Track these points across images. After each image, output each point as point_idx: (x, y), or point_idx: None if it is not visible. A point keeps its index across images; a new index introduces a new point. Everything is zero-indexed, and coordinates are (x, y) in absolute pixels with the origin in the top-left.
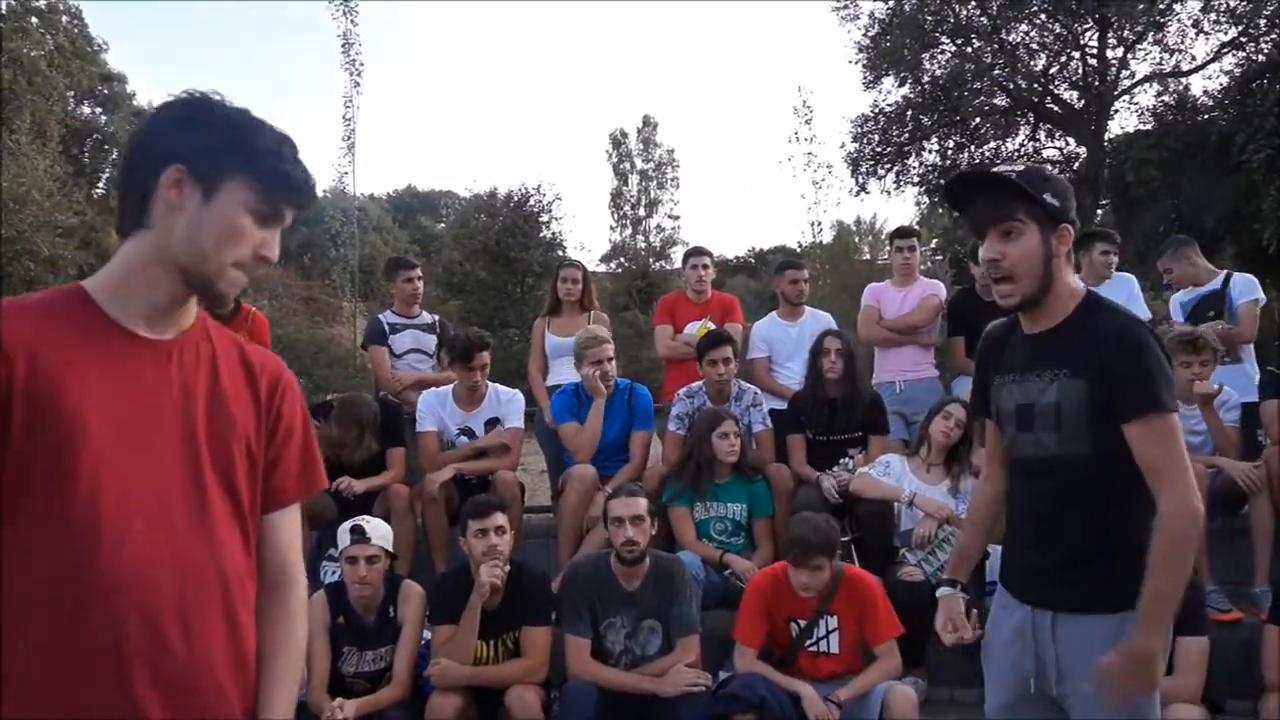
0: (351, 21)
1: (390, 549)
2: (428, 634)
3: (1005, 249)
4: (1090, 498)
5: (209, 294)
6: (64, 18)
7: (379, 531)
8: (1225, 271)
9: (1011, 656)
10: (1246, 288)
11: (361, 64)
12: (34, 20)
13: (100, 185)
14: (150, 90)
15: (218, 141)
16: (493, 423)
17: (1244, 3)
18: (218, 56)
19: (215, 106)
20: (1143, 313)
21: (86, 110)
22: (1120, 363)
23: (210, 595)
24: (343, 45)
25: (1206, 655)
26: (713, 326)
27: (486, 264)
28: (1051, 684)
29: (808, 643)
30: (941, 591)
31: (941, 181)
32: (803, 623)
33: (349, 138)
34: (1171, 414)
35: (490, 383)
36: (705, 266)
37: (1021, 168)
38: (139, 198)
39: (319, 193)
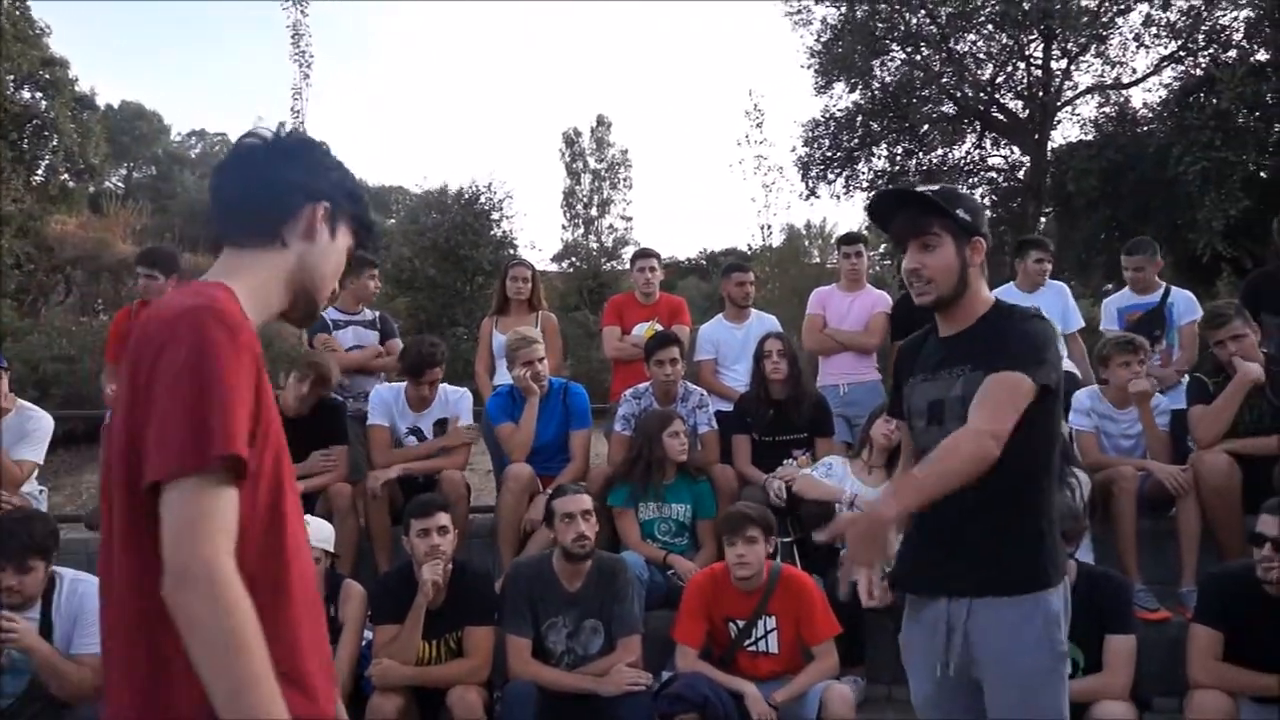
0: (302, 12)
1: (331, 549)
2: (368, 634)
3: (925, 259)
4: (995, 485)
5: (312, 314)
6: (4, 1)
7: (320, 533)
8: (1164, 285)
9: (929, 647)
10: (1187, 307)
11: (311, 56)
12: None
13: (39, 172)
14: (93, 76)
15: (345, 189)
16: (441, 423)
17: (1184, 18)
18: (162, 42)
19: (331, 153)
20: (1077, 321)
21: (26, 95)
22: (1006, 338)
23: None
24: (292, 37)
25: (1134, 653)
26: (660, 328)
27: (436, 261)
28: (970, 670)
29: (746, 642)
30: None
31: (890, 187)
32: (741, 622)
33: (298, 130)
34: (1027, 380)
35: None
36: (653, 269)
37: (937, 187)
38: (275, 217)
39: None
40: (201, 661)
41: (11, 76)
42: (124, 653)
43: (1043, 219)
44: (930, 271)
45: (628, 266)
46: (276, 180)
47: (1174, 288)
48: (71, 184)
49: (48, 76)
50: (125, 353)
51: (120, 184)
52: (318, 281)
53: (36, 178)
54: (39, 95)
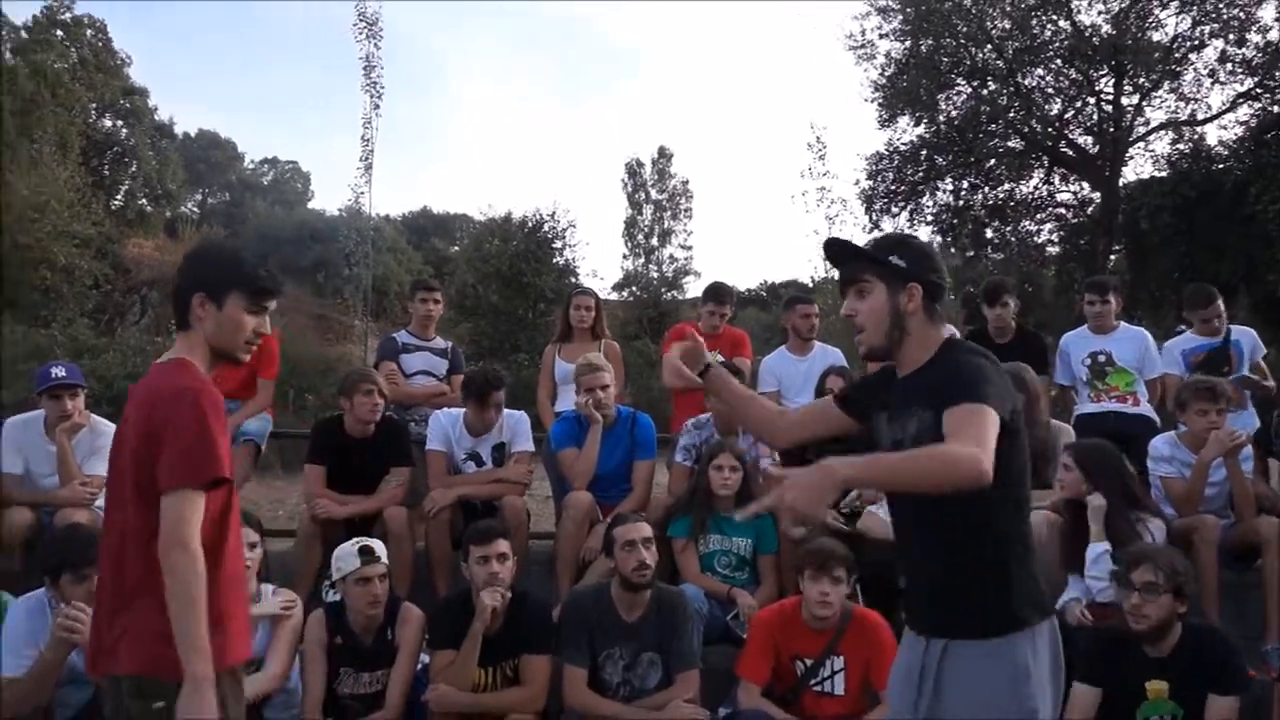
0: (375, 45)
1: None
2: (424, 658)
3: (856, 305)
4: (958, 524)
5: (234, 363)
6: (88, 31)
7: (383, 551)
8: (1226, 325)
9: (902, 687)
10: (1252, 344)
11: (382, 86)
12: (59, 33)
13: (119, 197)
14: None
15: (220, 272)
16: (500, 448)
17: (1260, 55)
18: (239, 72)
19: (217, 246)
20: (1155, 366)
21: (108, 123)
22: (951, 376)
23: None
24: (364, 68)
25: (1236, 715)
26: (721, 359)
27: (499, 288)
28: (930, 709)
29: (813, 682)
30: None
31: (955, 221)
32: (809, 661)
33: (367, 159)
34: (988, 408)
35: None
36: (723, 316)
37: (880, 236)
38: (181, 311)
39: (336, 212)
40: (172, 596)
41: (94, 105)
42: (115, 583)
43: (1113, 256)
44: (861, 318)
45: (689, 296)
46: (178, 287)
47: (1234, 326)
48: (149, 209)
49: (128, 105)
50: (137, 404)
51: (195, 209)
52: (224, 342)
53: (116, 202)
54: (119, 123)
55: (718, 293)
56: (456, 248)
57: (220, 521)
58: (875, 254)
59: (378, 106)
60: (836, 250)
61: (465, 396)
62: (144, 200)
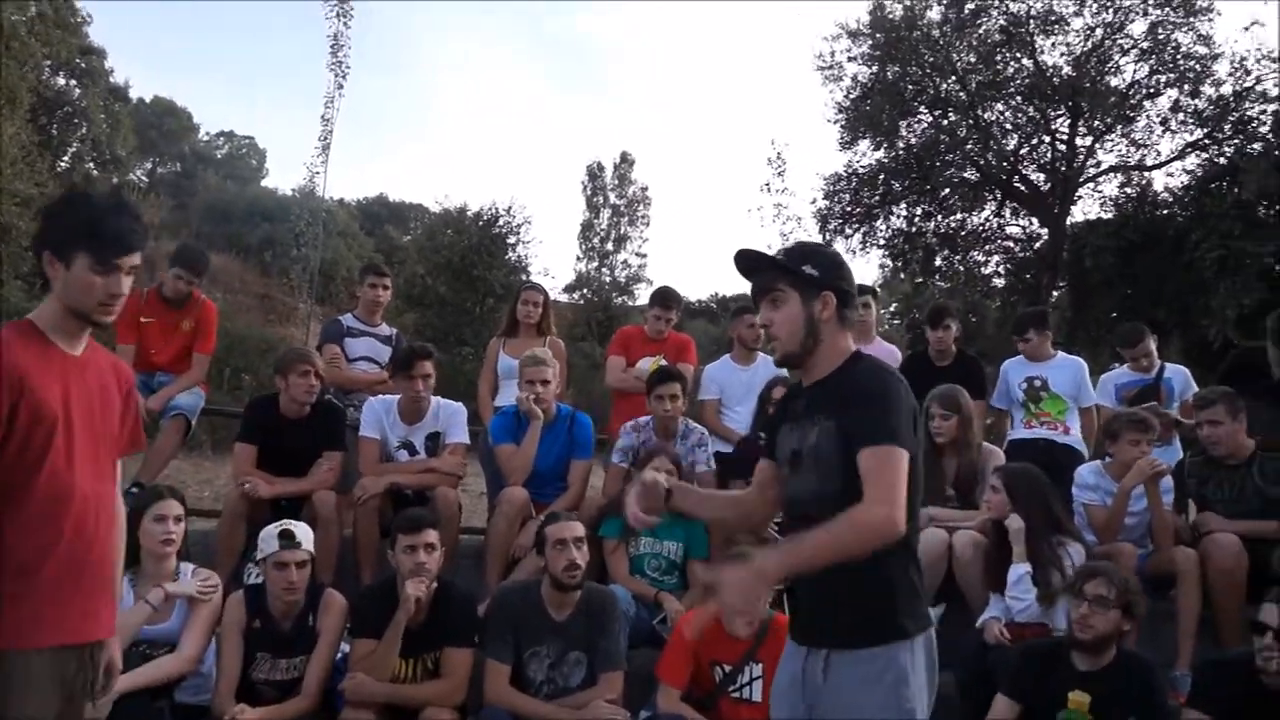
0: (345, 24)
1: (313, 552)
2: (345, 647)
3: (771, 315)
4: None
5: (93, 325)
6: None
7: (306, 537)
8: (1160, 362)
9: (784, 698)
10: (1184, 383)
11: (348, 67)
12: None
13: (65, 159)
14: (129, 68)
15: (67, 230)
16: (434, 437)
17: (1212, 106)
18: (200, 41)
19: (71, 201)
20: (1090, 396)
21: (61, 81)
22: (860, 398)
23: (106, 514)
24: (332, 46)
25: None
26: (665, 363)
27: (449, 280)
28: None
29: (731, 689)
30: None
31: (906, 247)
32: (727, 668)
33: (325, 139)
34: (901, 448)
35: (434, 397)
36: (669, 321)
37: (791, 245)
38: (41, 269)
39: (290, 191)
40: None
41: (48, 62)
42: None
43: (1056, 292)
44: (776, 328)
45: (639, 303)
46: (34, 243)
47: (1168, 364)
48: (95, 173)
49: (84, 65)
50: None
51: (144, 177)
52: (74, 300)
53: (62, 164)
54: (73, 83)
55: (665, 297)
56: (409, 237)
57: (18, 460)
58: (789, 264)
59: (341, 87)
60: (749, 261)
61: (394, 372)
62: (91, 164)
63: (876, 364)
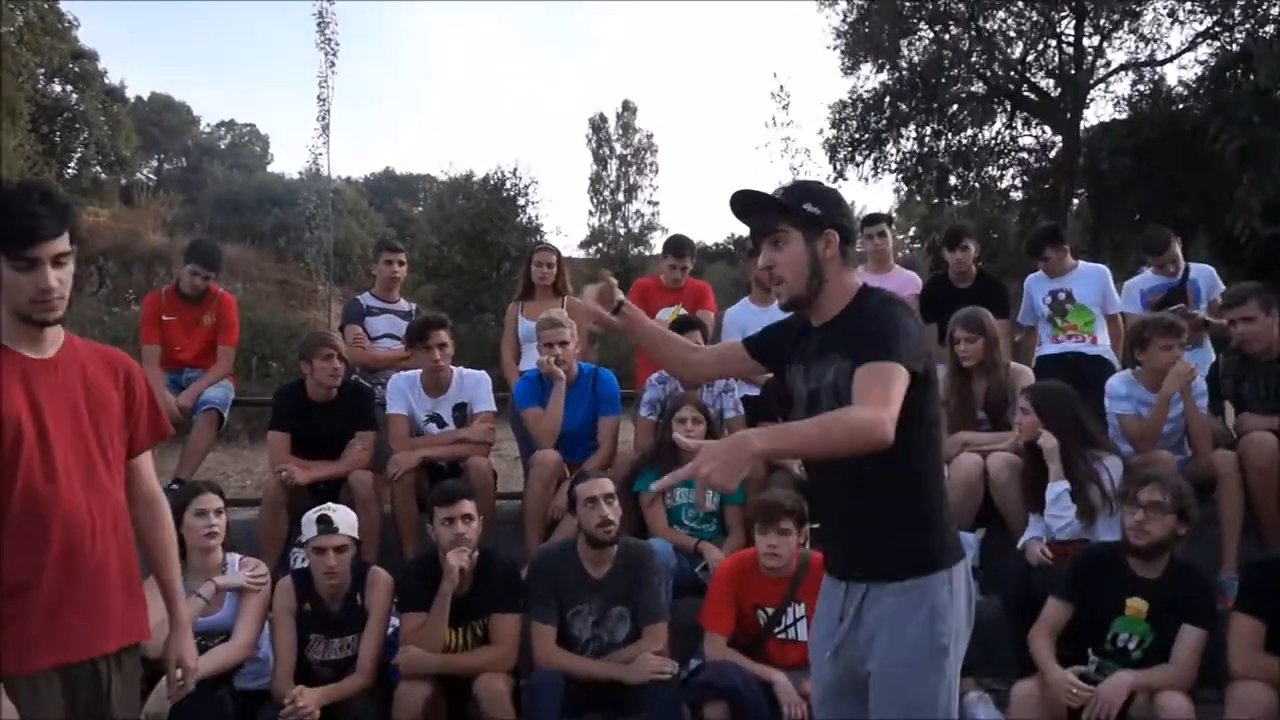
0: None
1: (356, 536)
2: (395, 622)
3: (774, 256)
4: (870, 470)
5: (36, 324)
6: None
7: (345, 521)
8: (1184, 263)
9: (825, 637)
10: (1210, 283)
11: (337, 44)
12: None
13: (71, 165)
14: (123, 68)
15: None
16: (461, 408)
17: None
18: (191, 34)
19: None
20: (1115, 303)
21: (57, 88)
22: (867, 324)
23: (106, 521)
24: (318, 24)
25: (1202, 648)
26: (684, 313)
27: (463, 248)
28: (861, 666)
29: (776, 630)
30: None
31: (919, 169)
32: (770, 610)
33: (324, 119)
34: (898, 364)
35: (455, 367)
36: (684, 270)
37: (789, 184)
38: None
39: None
40: None
41: (41, 70)
42: None
43: (1075, 200)
44: (780, 269)
45: (655, 252)
46: None
47: (1193, 264)
48: (103, 176)
49: (77, 70)
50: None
51: (151, 176)
52: (9, 302)
53: (69, 170)
54: (69, 88)
55: (678, 246)
56: (420, 209)
57: None
58: (789, 202)
59: (333, 64)
60: (747, 201)
61: (409, 344)
62: (98, 167)
63: (884, 296)
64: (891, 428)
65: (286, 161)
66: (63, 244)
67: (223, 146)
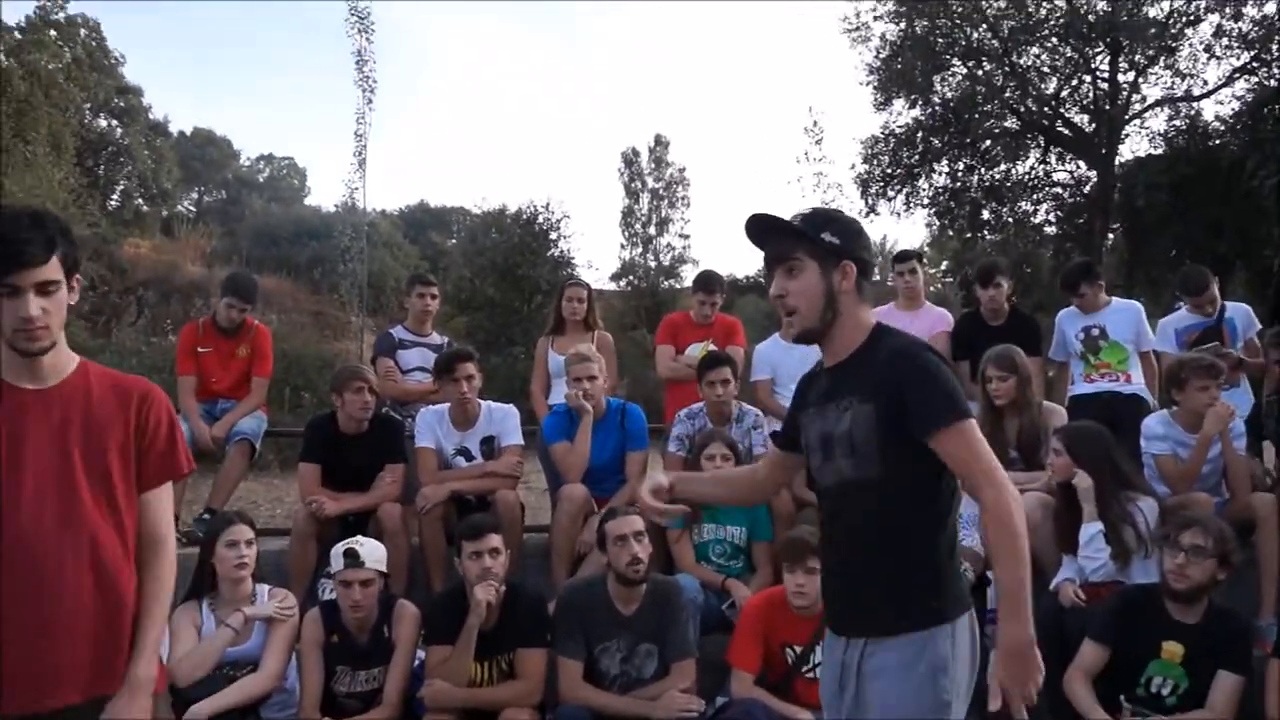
0: (367, 39)
1: (384, 570)
2: (421, 655)
3: (787, 285)
4: (884, 520)
5: (22, 354)
6: (82, 30)
7: (373, 554)
8: (1220, 302)
9: (832, 694)
10: (1246, 321)
11: (375, 81)
12: (53, 33)
13: (114, 197)
14: (167, 103)
15: None
16: (488, 441)
17: (1256, 28)
18: (233, 70)
19: None
20: (1149, 341)
21: (103, 122)
22: (910, 381)
23: (83, 562)
24: (357, 62)
25: (1239, 693)
26: (714, 349)
27: (495, 281)
28: (852, 708)
29: (804, 669)
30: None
31: (951, 203)
32: (798, 648)
33: (360, 154)
34: (970, 419)
35: (484, 400)
36: (714, 305)
37: (808, 211)
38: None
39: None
40: None
41: (88, 105)
42: None
43: (1110, 235)
44: (793, 299)
45: (686, 285)
46: None
47: (1228, 303)
48: (145, 208)
49: (122, 104)
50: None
51: (191, 208)
52: (3, 330)
53: (112, 202)
54: (114, 123)
55: (707, 281)
56: (453, 241)
57: None
58: (808, 230)
59: (370, 101)
60: (764, 226)
61: (436, 376)
62: (140, 200)
63: (905, 340)
64: (1009, 486)
65: (324, 194)
66: (50, 271)
67: (261, 180)
